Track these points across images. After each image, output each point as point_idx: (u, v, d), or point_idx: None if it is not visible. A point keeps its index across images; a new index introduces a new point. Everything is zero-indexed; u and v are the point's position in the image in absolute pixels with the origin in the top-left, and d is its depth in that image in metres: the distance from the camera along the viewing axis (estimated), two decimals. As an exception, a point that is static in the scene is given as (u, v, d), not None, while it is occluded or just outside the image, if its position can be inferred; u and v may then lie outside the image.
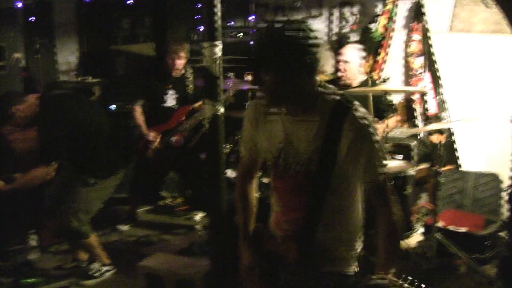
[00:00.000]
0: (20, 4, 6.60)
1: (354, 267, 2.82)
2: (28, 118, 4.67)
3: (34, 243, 5.46)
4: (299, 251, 2.70)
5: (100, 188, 4.95)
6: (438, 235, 4.99)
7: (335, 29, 7.40)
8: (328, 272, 2.72)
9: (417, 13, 6.79)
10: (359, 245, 2.84)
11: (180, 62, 6.21)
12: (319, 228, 2.66)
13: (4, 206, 5.39)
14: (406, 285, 2.15)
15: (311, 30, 2.43)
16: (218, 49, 3.57)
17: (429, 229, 5.14)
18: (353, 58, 5.76)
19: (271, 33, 2.46)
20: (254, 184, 3.09)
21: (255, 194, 3.08)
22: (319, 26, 7.29)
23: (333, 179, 2.58)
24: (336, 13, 7.40)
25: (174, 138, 6.15)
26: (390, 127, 5.64)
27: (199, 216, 6.48)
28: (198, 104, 6.23)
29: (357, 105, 2.60)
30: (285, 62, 2.39)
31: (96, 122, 4.90)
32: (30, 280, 4.86)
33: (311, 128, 2.59)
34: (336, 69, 5.95)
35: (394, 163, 5.18)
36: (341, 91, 2.65)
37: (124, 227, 6.33)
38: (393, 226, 2.54)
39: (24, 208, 5.53)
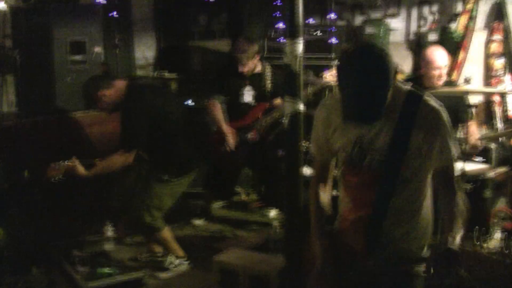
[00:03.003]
0: (101, 0, 6.73)
1: (423, 266, 2.79)
2: (114, 103, 4.79)
3: (110, 233, 5.59)
4: (368, 247, 2.74)
5: (174, 185, 5.00)
6: (517, 241, 4.88)
7: (413, 28, 7.32)
8: (397, 269, 2.77)
9: (498, 13, 6.68)
10: (428, 244, 2.85)
11: (248, 60, 6.11)
12: (388, 223, 2.70)
13: (83, 196, 5.54)
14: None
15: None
16: (300, 46, 3.55)
17: (507, 234, 5.02)
18: (438, 61, 5.56)
19: (362, 54, 2.50)
20: (329, 183, 3.08)
21: (329, 193, 3.09)
22: (397, 25, 7.23)
23: (406, 171, 2.63)
24: (414, 12, 7.32)
25: (249, 135, 6.16)
26: (471, 131, 5.45)
27: (273, 213, 6.47)
28: (276, 101, 6.21)
29: (428, 94, 2.67)
30: (381, 78, 2.46)
31: (176, 117, 4.97)
32: (105, 270, 4.94)
33: (386, 120, 2.61)
34: (415, 68, 5.87)
35: (474, 166, 5.08)
36: (409, 83, 2.68)
37: (198, 222, 6.38)
38: (458, 208, 2.65)
39: (101, 199, 5.65)
